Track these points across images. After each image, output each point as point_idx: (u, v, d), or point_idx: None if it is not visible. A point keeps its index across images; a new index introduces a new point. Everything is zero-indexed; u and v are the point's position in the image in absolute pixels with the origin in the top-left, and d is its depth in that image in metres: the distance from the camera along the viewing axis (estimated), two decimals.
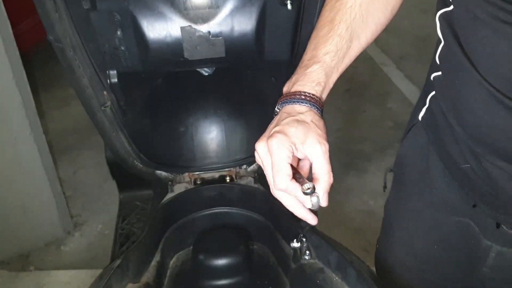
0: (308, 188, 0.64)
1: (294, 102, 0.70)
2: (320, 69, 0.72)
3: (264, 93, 1.39)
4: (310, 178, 0.69)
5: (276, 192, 0.68)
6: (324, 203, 0.67)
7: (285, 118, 0.69)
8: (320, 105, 0.71)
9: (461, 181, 0.80)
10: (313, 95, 0.71)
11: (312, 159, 0.67)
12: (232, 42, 1.19)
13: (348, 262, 0.94)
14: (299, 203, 0.68)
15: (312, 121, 0.68)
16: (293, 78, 0.74)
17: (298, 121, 0.68)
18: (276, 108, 0.74)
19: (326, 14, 0.76)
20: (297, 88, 0.72)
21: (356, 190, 2.39)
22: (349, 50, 0.75)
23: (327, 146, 0.67)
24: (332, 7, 0.75)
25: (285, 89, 0.74)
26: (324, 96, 0.73)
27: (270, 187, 0.69)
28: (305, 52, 0.76)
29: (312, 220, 0.70)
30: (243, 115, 1.43)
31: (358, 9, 0.74)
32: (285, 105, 0.71)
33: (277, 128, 0.68)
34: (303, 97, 0.70)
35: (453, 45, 0.68)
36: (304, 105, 0.70)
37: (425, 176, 0.88)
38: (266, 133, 0.69)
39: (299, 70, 0.74)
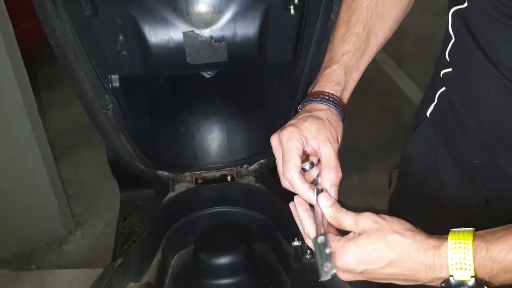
0: (306, 164, 0.66)
1: (313, 101, 0.72)
2: (339, 69, 0.73)
3: (266, 93, 1.39)
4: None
5: (284, 182, 0.69)
6: (333, 196, 0.66)
7: (302, 114, 0.70)
8: (340, 105, 0.72)
9: (472, 176, 0.80)
10: (332, 94, 0.72)
11: (321, 154, 0.68)
12: (234, 47, 1.19)
13: None
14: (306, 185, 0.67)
15: (327, 119, 0.69)
16: (316, 80, 0.75)
17: (313, 117, 0.69)
18: (298, 108, 0.75)
19: (343, 14, 0.76)
20: (317, 88, 0.73)
21: (358, 189, 2.38)
22: (368, 48, 0.75)
23: (336, 146, 0.68)
24: (348, 8, 0.76)
25: (309, 91, 0.76)
26: (345, 96, 0.74)
27: (280, 177, 0.69)
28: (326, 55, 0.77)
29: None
30: (244, 114, 1.42)
31: (374, 8, 0.74)
32: (306, 104, 0.73)
33: (291, 122, 0.69)
34: (321, 96, 0.72)
35: (468, 41, 0.68)
36: (323, 103, 0.71)
37: (433, 173, 0.87)
38: (282, 127, 0.70)
39: (320, 73, 0.75)
